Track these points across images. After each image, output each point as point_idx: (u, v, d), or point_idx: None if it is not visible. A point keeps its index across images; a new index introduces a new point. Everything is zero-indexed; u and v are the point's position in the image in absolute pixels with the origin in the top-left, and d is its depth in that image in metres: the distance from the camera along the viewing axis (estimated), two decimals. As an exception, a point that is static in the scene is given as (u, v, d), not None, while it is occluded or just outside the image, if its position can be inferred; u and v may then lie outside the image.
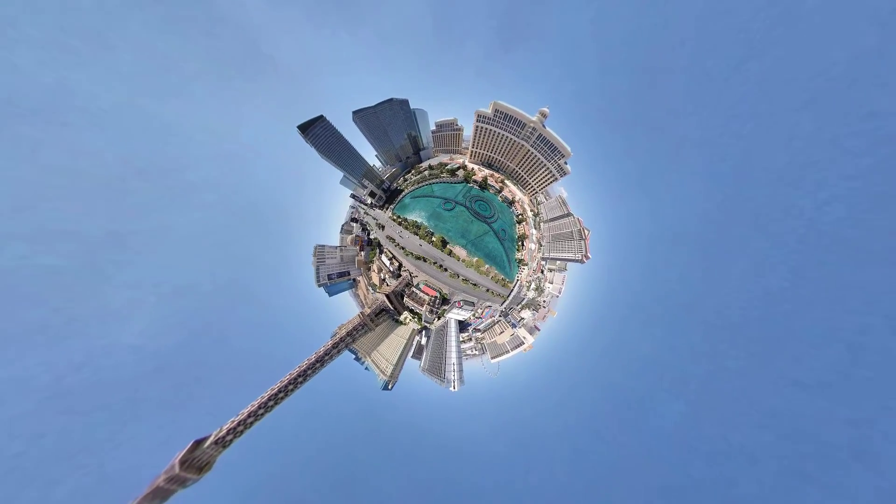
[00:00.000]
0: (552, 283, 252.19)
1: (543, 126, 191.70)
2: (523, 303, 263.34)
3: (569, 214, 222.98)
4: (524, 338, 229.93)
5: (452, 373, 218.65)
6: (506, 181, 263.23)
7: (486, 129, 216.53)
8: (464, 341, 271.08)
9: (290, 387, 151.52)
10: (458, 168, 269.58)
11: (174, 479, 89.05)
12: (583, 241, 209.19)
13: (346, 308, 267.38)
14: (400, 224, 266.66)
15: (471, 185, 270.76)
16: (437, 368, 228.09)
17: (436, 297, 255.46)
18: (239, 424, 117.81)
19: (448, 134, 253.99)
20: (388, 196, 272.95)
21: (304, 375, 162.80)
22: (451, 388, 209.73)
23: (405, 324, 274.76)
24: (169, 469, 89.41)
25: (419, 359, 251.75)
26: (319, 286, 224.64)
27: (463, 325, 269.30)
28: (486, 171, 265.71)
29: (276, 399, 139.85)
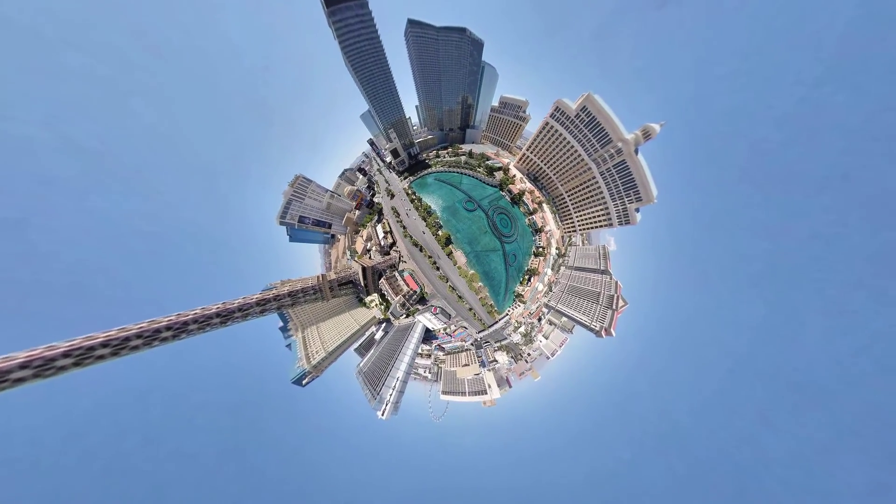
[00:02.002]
0: (547, 338, 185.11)
1: (635, 151, 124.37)
2: (503, 342, 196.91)
3: (605, 272, 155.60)
4: (489, 386, 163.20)
5: (391, 391, 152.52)
6: (544, 205, 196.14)
7: (557, 131, 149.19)
8: (421, 355, 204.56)
9: (138, 342, 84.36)
10: (500, 169, 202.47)
11: None
12: (611, 312, 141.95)
13: (306, 263, 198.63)
14: (412, 201, 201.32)
15: (503, 193, 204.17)
16: (376, 377, 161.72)
17: (415, 291, 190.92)
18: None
19: (508, 120, 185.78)
20: (412, 165, 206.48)
21: (179, 329, 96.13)
22: (379, 414, 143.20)
23: (368, 307, 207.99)
24: None
25: (362, 356, 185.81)
26: (281, 224, 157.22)
27: (428, 336, 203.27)
28: (528, 185, 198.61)
29: (83, 356, 72.66)
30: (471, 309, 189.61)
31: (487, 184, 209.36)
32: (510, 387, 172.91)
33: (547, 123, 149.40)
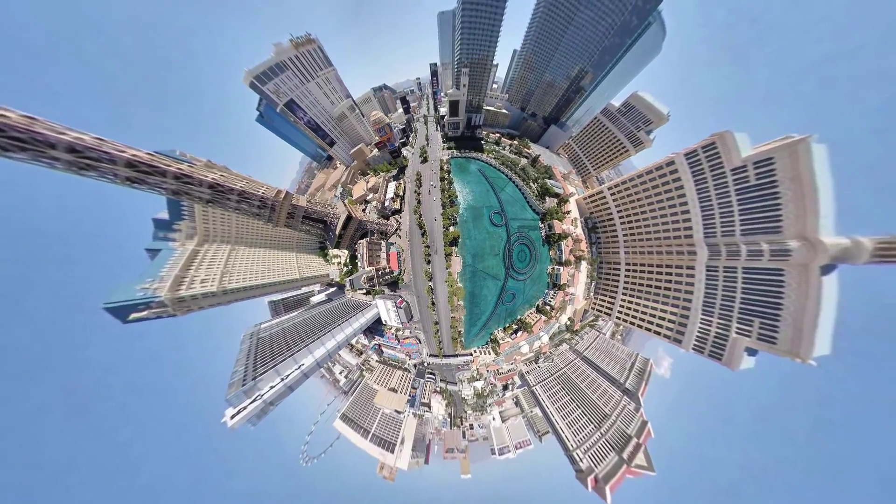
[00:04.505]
0: (504, 421, 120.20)
1: (822, 270, 59.73)
2: (448, 387, 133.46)
3: (631, 395, 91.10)
4: (402, 441, 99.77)
5: (277, 382, 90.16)
6: (583, 263, 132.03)
7: (677, 180, 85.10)
8: (352, 348, 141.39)
9: None
10: (557, 196, 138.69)
11: None
12: (618, 459, 77.81)
13: (266, 163, 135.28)
14: (442, 179, 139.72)
15: (542, 226, 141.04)
16: (272, 351, 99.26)
17: (392, 272, 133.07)
18: None
19: (615, 135, 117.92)
20: (463, 136, 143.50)
21: None
22: (228, 415, 79.32)
23: (328, 261, 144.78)
24: None
25: (276, 314, 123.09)
26: (253, 89, 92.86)
27: (376, 328, 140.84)
28: (577, 231, 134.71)
29: None
30: (437, 323, 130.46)
31: (531, 206, 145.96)
32: (426, 462, 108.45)
33: (672, 163, 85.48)
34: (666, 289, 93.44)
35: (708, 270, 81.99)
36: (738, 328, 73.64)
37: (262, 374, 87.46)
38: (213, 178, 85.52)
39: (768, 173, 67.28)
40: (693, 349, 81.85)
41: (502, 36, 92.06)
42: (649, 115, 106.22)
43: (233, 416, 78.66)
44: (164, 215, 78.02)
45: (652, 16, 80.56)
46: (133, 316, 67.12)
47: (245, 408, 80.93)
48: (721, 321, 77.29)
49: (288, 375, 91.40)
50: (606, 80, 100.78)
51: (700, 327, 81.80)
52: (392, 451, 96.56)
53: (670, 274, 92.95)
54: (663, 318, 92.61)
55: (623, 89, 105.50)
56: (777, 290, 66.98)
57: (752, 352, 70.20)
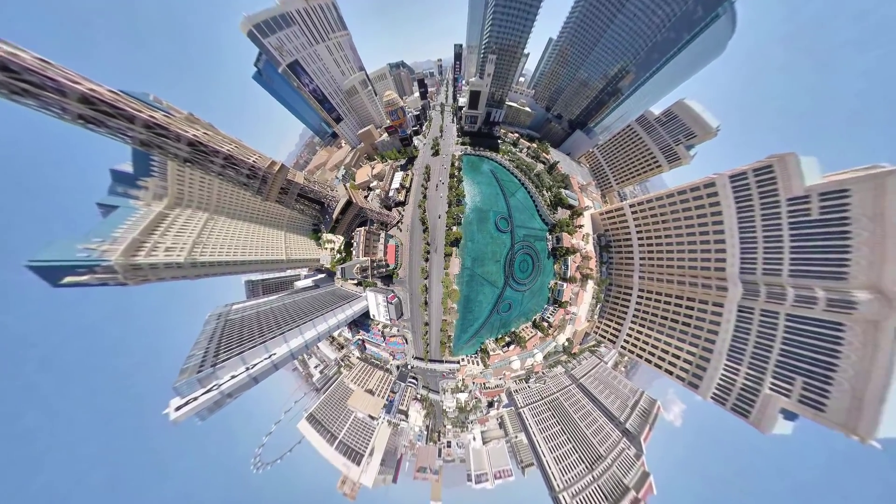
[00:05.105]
0: (485, 443, 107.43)
1: (895, 331, 47.37)
2: (429, 398, 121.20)
3: (630, 438, 78.53)
4: (370, 453, 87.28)
5: (241, 371, 77.44)
6: (590, 282, 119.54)
7: (716, 206, 72.59)
8: (333, 341, 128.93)
9: None
10: (571, 208, 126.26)
11: None
12: (610, 515, 65.31)
13: (260, 128, 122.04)
14: (452, 176, 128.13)
15: (549, 237, 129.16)
16: (241, 337, 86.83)
17: (388, 266, 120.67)
18: None
19: (647, 148, 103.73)
20: (480, 133, 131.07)
21: None
22: (170, 407, 66.14)
23: (320, 245, 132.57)
24: None
25: (252, 296, 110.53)
26: (252, 40, 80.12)
27: (362, 322, 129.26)
28: (587, 248, 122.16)
29: None
30: (427, 324, 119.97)
31: (541, 216, 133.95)
32: (394, 480, 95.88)
33: (712, 184, 73.08)
34: (684, 324, 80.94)
35: (740, 311, 69.50)
36: (773, 384, 61.17)
37: (223, 361, 75.24)
38: (193, 135, 73.16)
39: (839, 208, 54.83)
40: (712, 398, 69.35)
41: (538, 20, 79.34)
42: (694, 127, 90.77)
43: (178, 408, 66.03)
44: (128, 167, 65.68)
45: (722, 7, 66.77)
46: (68, 279, 54.84)
47: (196, 398, 68.36)
48: (751, 372, 64.77)
49: (255, 365, 79.11)
50: (650, 83, 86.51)
51: (723, 374, 69.30)
52: (358, 464, 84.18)
53: (691, 308, 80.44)
54: (677, 357, 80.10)
55: (667, 95, 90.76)
56: (832, 347, 54.54)
57: (790, 415, 57.80)
